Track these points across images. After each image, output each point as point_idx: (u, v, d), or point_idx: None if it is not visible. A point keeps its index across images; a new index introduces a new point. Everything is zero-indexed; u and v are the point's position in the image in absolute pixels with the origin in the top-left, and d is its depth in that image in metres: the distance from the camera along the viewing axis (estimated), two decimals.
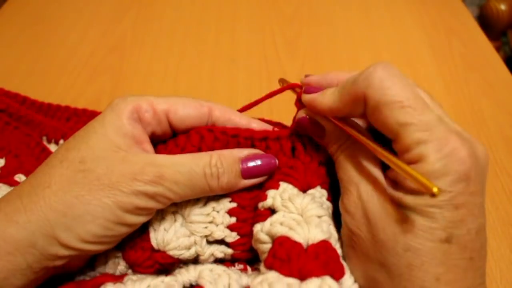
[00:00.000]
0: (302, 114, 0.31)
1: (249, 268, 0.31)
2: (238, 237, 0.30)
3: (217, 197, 0.30)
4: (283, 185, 0.29)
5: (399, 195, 0.24)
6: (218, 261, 0.31)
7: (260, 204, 0.29)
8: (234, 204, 0.30)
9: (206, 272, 0.27)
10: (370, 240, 0.25)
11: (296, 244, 0.25)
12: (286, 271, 0.24)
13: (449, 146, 0.23)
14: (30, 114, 0.44)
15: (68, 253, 0.26)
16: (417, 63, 0.61)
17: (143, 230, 0.29)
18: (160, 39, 0.64)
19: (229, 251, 0.30)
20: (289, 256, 0.24)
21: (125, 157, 0.27)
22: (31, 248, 0.25)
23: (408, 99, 0.24)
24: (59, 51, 0.61)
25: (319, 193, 0.29)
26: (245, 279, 0.28)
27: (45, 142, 0.44)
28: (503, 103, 0.55)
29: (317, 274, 0.23)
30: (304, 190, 0.29)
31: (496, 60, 0.61)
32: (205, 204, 0.30)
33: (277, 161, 0.31)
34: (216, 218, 0.30)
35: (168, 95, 0.32)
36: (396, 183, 0.25)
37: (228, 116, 0.32)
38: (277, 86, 0.35)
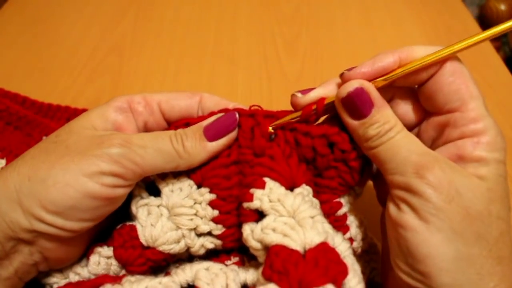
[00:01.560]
0: (354, 85, 0.27)
1: (245, 259, 0.30)
2: (224, 229, 0.30)
3: (194, 188, 0.30)
4: (269, 184, 0.28)
5: (471, 168, 0.25)
6: (212, 252, 0.31)
7: (246, 205, 0.28)
8: (213, 196, 0.29)
9: (202, 273, 0.27)
10: (462, 213, 0.24)
11: (293, 253, 0.24)
12: (286, 285, 0.23)
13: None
14: (30, 115, 0.44)
15: (30, 224, 0.25)
16: None
17: (131, 228, 0.29)
18: (160, 39, 0.64)
19: (219, 241, 0.30)
20: (286, 267, 0.23)
21: (94, 131, 0.28)
22: None
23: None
24: (59, 51, 0.61)
25: (306, 191, 0.28)
26: (242, 275, 0.27)
27: None
28: (503, 104, 0.55)
29: (319, 284, 0.22)
30: (290, 187, 0.28)
31: (496, 61, 0.61)
32: (187, 196, 0.29)
33: (237, 115, 0.30)
34: (199, 211, 0.29)
35: (169, 92, 0.33)
36: (455, 161, 0.26)
37: (217, 103, 0.32)
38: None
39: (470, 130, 0.26)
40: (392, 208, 0.26)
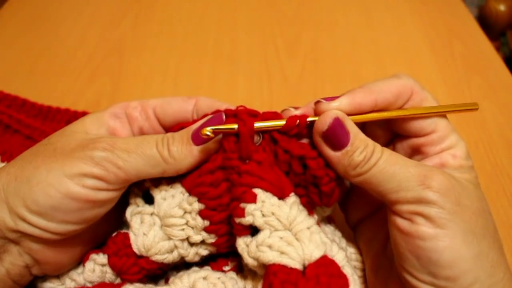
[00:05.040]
0: (334, 114, 0.27)
1: (243, 263, 0.29)
2: (217, 237, 0.29)
3: (186, 196, 0.28)
4: (261, 196, 0.26)
5: (456, 174, 0.28)
6: (209, 257, 0.30)
7: (237, 220, 0.26)
8: (202, 206, 0.28)
9: (200, 284, 0.26)
10: (469, 213, 0.25)
11: (292, 271, 0.23)
12: None
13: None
14: (29, 117, 0.44)
15: (15, 223, 0.25)
16: (418, 64, 0.61)
17: (125, 236, 0.29)
18: (160, 41, 0.63)
19: (213, 248, 0.29)
20: None
21: (86, 136, 0.28)
22: None
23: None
24: (58, 52, 0.61)
25: (297, 199, 0.27)
26: (241, 283, 0.27)
27: None
28: (504, 105, 0.55)
29: None
30: (280, 196, 0.27)
31: (496, 61, 0.61)
32: (177, 205, 0.28)
33: (224, 116, 0.28)
34: (190, 221, 0.28)
35: (168, 96, 0.32)
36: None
37: (211, 105, 0.31)
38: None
39: (446, 145, 0.29)
40: (403, 223, 0.26)
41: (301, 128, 0.28)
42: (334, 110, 0.28)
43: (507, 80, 0.58)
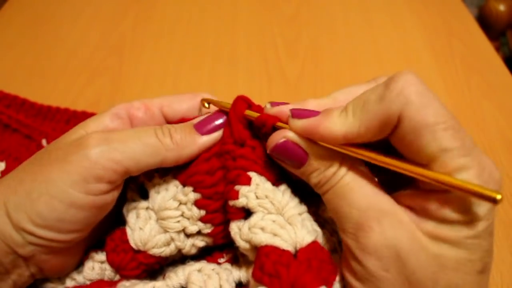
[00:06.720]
0: (282, 136, 0.25)
1: (239, 255, 0.29)
2: (213, 227, 0.29)
3: (180, 188, 0.29)
4: (255, 179, 0.26)
5: (430, 226, 0.21)
6: (205, 249, 0.30)
7: (231, 203, 0.26)
8: (198, 195, 0.28)
9: (195, 275, 0.26)
10: (401, 282, 0.21)
11: (284, 253, 0.23)
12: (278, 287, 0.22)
13: (487, 170, 0.20)
14: (29, 117, 0.44)
15: (23, 238, 0.24)
16: (418, 64, 0.61)
17: (122, 232, 0.29)
18: (159, 41, 0.63)
19: (210, 239, 0.29)
20: (278, 270, 0.22)
21: (80, 136, 0.27)
22: None
23: (451, 118, 0.21)
24: (58, 52, 0.61)
25: (289, 188, 0.27)
26: (236, 274, 0.27)
27: (44, 145, 0.44)
28: (504, 105, 0.55)
29: (312, 287, 0.22)
30: (274, 183, 0.27)
31: (496, 61, 0.61)
32: (171, 198, 0.28)
33: (225, 115, 0.28)
34: (186, 212, 0.28)
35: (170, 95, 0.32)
36: (416, 212, 0.22)
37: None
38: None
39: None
40: (343, 259, 0.24)
41: (268, 130, 0.27)
42: (286, 131, 0.25)
43: (507, 80, 0.58)
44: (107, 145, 0.25)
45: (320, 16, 0.69)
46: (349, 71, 0.59)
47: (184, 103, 0.31)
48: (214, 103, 0.30)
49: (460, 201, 0.20)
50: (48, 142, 0.44)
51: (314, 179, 0.25)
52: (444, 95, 0.56)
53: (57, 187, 0.24)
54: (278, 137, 0.25)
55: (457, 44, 0.64)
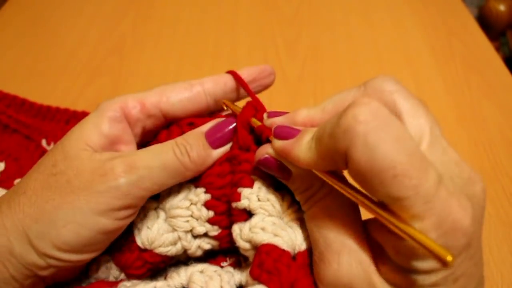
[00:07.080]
0: (265, 152, 0.26)
1: (242, 260, 0.30)
2: (220, 230, 0.29)
3: (193, 189, 0.29)
4: (258, 182, 0.27)
5: (388, 268, 0.21)
6: (210, 253, 0.30)
7: (234, 204, 0.27)
8: (208, 196, 0.28)
9: (196, 276, 0.26)
10: None
11: (284, 253, 0.23)
12: (276, 286, 0.22)
13: (449, 220, 0.18)
14: (28, 117, 0.44)
15: (46, 262, 0.25)
16: (418, 64, 0.61)
17: (128, 231, 0.29)
18: (160, 41, 0.63)
19: (216, 242, 0.30)
20: (278, 268, 0.22)
21: (91, 155, 0.26)
22: (9, 255, 0.24)
23: (402, 162, 0.18)
24: (58, 52, 0.61)
25: (290, 193, 0.27)
26: (237, 276, 0.27)
27: (44, 145, 0.44)
28: (504, 105, 0.55)
29: None
30: (278, 187, 0.27)
31: (496, 61, 0.61)
32: (184, 198, 0.29)
33: (234, 122, 0.29)
34: (195, 212, 0.28)
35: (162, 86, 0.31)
36: (380, 248, 0.21)
37: (223, 81, 0.30)
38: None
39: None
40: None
41: (263, 139, 0.27)
42: (269, 147, 0.25)
43: (507, 80, 0.58)
44: (135, 174, 0.25)
45: (320, 16, 0.69)
46: (349, 71, 0.59)
47: (181, 95, 0.30)
48: (231, 106, 0.30)
49: (415, 249, 0.18)
50: (48, 142, 0.44)
51: (296, 196, 0.25)
52: (444, 95, 0.56)
53: (86, 215, 0.24)
54: (262, 152, 0.26)
55: (457, 44, 0.64)
